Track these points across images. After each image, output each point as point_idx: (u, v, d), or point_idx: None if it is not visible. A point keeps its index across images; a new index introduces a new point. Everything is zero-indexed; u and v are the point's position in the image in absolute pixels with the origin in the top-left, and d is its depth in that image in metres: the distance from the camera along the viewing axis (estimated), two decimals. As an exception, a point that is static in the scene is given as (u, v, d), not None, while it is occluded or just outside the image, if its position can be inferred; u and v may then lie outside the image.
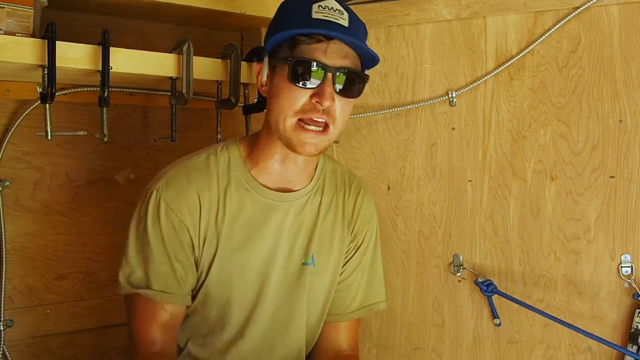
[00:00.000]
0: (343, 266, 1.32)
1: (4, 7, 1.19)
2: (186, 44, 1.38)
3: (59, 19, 1.24)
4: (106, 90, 1.27)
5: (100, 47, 1.25)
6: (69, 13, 1.51)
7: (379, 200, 1.71)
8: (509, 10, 1.56)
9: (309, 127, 1.12)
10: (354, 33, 1.13)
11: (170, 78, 1.40)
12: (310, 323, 1.30)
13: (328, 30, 1.10)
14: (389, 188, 1.70)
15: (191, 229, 1.17)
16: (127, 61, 1.30)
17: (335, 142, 1.73)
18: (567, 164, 1.54)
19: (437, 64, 1.65)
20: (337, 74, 1.11)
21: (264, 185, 1.21)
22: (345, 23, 1.12)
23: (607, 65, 1.50)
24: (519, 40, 1.57)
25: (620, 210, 1.50)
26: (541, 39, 1.53)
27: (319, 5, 1.12)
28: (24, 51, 1.17)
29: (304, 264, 1.26)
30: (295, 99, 1.12)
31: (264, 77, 1.20)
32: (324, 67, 1.10)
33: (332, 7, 1.12)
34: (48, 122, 1.28)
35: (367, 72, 1.20)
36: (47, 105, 1.26)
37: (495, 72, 1.58)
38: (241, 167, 1.22)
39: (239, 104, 1.50)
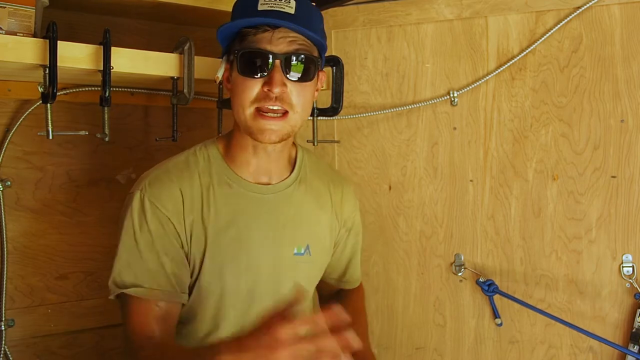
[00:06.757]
0: (341, 246, 1.39)
1: (5, 7, 1.19)
2: (187, 44, 1.37)
3: (60, 19, 1.24)
4: (107, 90, 1.26)
5: (102, 46, 1.25)
6: (70, 13, 1.51)
7: (380, 200, 1.71)
8: (511, 10, 1.56)
9: (266, 114, 1.14)
10: (301, 19, 1.13)
11: (172, 78, 1.40)
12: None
13: (269, 19, 1.11)
14: (390, 188, 1.70)
15: (177, 224, 1.17)
16: (128, 61, 1.30)
17: (336, 141, 1.73)
18: (568, 164, 1.54)
19: (438, 64, 1.65)
20: (285, 59, 1.12)
21: (245, 180, 1.23)
22: (292, 10, 1.13)
23: (609, 65, 1.50)
24: (521, 40, 1.57)
25: (621, 210, 1.50)
26: (543, 38, 1.53)
27: None
28: (25, 51, 1.17)
29: (297, 254, 1.26)
30: (249, 89, 1.14)
31: (220, 73, 1.22)
32: (271, 55, 1.12)
33: None
34: (49, 121, 1.27)
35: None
36: (49, 105, 1.26)
37: (497, 71, 1.58)
38: (221, 163, 1.23)
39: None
